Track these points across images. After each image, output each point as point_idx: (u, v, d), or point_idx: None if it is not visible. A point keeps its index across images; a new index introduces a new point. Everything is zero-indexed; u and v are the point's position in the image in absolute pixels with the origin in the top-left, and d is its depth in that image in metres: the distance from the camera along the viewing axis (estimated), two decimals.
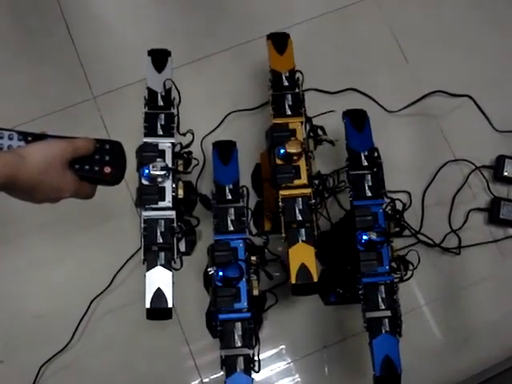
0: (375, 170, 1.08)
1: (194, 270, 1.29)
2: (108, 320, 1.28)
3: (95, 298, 1.27)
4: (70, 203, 1.31)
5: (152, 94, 1.08)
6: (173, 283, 0.97)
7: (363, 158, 1.09)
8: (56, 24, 1.45)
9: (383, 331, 1.01)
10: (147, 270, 0.99)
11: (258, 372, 0.98)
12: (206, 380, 1.27)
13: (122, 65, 1.44)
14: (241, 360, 0.98)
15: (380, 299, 1.02)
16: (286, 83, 1.12)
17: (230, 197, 1.07)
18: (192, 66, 1.44)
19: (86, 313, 1.26)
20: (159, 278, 0.98)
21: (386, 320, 1.01)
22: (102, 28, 1.48)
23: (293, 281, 1.02)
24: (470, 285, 1.35)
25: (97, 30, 1.47)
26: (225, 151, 1.12)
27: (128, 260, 1.28)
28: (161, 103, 1.08)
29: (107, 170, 0.84)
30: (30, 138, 0.79)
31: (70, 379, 1.25)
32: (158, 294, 0.97)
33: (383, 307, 1.02)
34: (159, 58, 1.11)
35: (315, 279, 1.01)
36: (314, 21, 1.49)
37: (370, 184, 1.07)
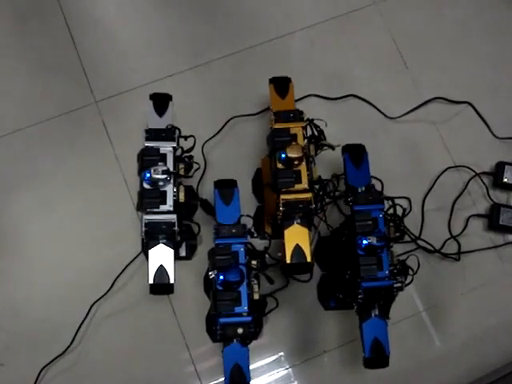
0: None
1: (195, 275, 1.29)
2: (108, 324, 1.28)
3: (95, 302, 1.27)
4: (70, 208, 1.32)
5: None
6: (174, 260, 1.03)
7: (360, 191, 1.11)
8: (58, 29, 1.45)
9: (373, 315, 1.05)
10: (149, 248, 1.05)
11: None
12: None
13: (123, 69, 1.44)
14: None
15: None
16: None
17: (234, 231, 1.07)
18: (194, 71, 1.44)
19: (86, 317, 1.26)
20: (161, 256, 1.04)
21: (376, 305, 1.05)
22: (104, 33, 1.48)
23: (288, 260, 1.05)
24: (470, 291, 1.35)
25: (99, 35, 1.47)
26: (226, 191, 1.11)
27: (128, 264, 1.28)
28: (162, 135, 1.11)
29: None
30: None
31: (70, 382, 1.25)
32: (161, 271, 1.04)
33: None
34: (160, 103, 1.14)
35: (309, 259, 1.06)
36: (316, 27, 1.50)
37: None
